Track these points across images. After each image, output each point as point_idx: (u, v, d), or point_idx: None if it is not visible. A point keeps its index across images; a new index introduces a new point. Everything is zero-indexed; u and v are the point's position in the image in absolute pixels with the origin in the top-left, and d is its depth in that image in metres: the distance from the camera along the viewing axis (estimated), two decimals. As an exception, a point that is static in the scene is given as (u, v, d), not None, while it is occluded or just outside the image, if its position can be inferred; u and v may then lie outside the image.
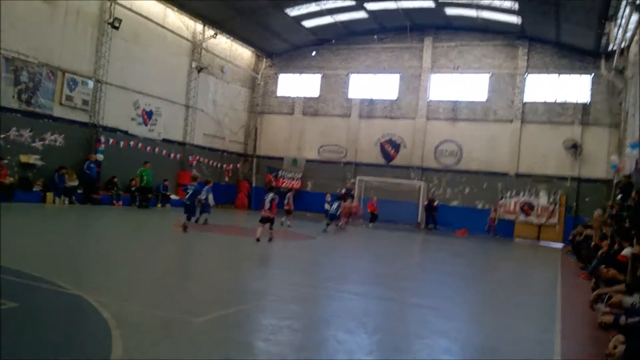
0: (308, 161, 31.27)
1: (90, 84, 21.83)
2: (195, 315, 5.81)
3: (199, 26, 27.63)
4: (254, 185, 32.08)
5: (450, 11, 26.86)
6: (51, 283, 6.55)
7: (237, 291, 7.75)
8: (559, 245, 24.16)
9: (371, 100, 30.32)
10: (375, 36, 29.68)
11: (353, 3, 26.72)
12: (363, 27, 29.63)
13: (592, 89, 26.04)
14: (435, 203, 27.48)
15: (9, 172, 18.38)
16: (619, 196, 15.52)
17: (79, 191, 20.66)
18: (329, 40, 30.96)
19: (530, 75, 27.23)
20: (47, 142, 20.08)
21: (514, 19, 25.68)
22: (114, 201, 22.12)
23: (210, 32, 27.93)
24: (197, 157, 27.96)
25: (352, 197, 25.28)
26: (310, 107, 31.71)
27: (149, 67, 24.55)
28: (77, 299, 6.02)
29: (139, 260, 9.72)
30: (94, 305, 5.73)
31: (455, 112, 28.41)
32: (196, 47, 27.59)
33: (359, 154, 30.26)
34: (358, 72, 30.85)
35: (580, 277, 12.13)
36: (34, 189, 19.19)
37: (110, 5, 22.15)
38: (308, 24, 29.16)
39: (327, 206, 22.94)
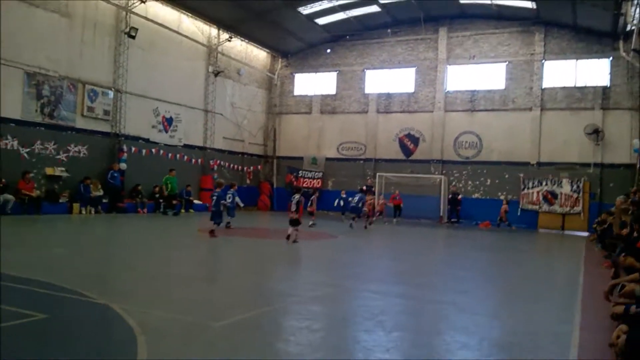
0: (328, 159, 31.39)
1: (111, 94, 22.26)
2: (217, 319, 5.99)
3: (213, 30, 27.93)
4: (275, 186, 32.30)
5: (464, 0, 26.65)
6: (78, 293, 6.79)
7: (259, 293, 7.91)
8: (584, 234, 23.86)
9: (388, 94, 30.29)
10: (389, 30, 29.56)
11: (366, -3, 26.63)
12: (377, 21, 29.57)
13: (611, 71, 25.58)
14: (459, 196, 27.33)
15: (36, 185, 18.86)
16: (642, 181, 15.32)
17: (104, 201, 21.09)
18: (343, 37, 30.99)
19: (547, 62, 26.86)
20: (71, 153, 20.56)
21: (529, 4, 25.39)
22: (139, 209, 22.53)
23: (225, 35, 28.19)
24: (218, 161, 28.27)
25: (373, 193, 25.23)
26: (327, 105, 31.80)
27: (166, 74, 24.91)
28: (104, 308, 6.24)
29: (163, 266, 9.96)
30: (119, 313, 5.95)
31: (473, 102, 28.23)
32: (212, 51, 27.88)
33: (378, 150, 30.26)
34: (374, 68, 30.83)
35: (604, 266, 12.01)
36: (60, 201, 19.67)
37: (126, 15, 22.54)
38: (321, 21, 29.22)
39: (341, 202, 23.21)
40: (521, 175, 26.77)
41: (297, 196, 14.63)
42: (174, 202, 23.54)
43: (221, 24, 27.75)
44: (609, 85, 25.58)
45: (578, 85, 26.33)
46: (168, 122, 25.25)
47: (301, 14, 27.74)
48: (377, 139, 30.29)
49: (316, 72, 32.31)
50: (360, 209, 19.97)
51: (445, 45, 28.89)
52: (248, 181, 30.70)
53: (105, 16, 22.06)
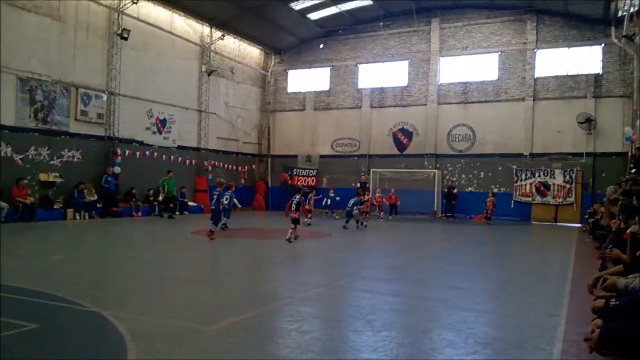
0: (322, 157, 31.44)
1: (104, 97, 22.31)
2: (209, 323, 6.05)
3: (206, 29, 27.94)
4: (270, 185, 32.36)
5: (455, -11, 26.71)
6: (71, 302, 6.85)
7: (251, 295, 7.99)
8: (577, 225, 23.93)
9: (382, 88, 30.33)
10: (382, 23, 29.55)
11: (357, -10, 26.64)
12: (369, 14, 29.61)
13: (603, 59, 25.63)
14: (455, 190, 27.38)
15: (30, 192, 18.90)
16: (633, 170, 15.38)
17: (98, 205, 21.13)
18: (336, 31, 31.02)
19: (540, 50, 26.92)
20: (65, 158, 20.61)
21: (521, -8, 25.45)
22: (134, 212, 22.58)
23: (217, 33, 28.21)
24: (213, 162, 28.33)
25: (368, 189, 25.29)
26: (321, 102, 31.84)
27: (159, 74, 24.94)
28: (95, 316, 6.30)
29: (158, 271, 10.02)
30: (111, 320, 6.02)
31: (466, 94, 28.28)
32: (205, 50, 27.90)
33: (372, 146, 30.33)
34: (367, 62, 30.87)
35: (595, 257, 12.11)
36: (54, 207, 19.69)
37: (118, 16, 22.55)
38: (314, 16, 29.27)
39: (328, 201, 23.42)
40: (514, 167, 26.84)
41: (297, 197, 15.03)
42: (170, 204, 23.47)
43: (214, 22, 27.76)
44: (601, 73, 25.64)
45: (570, 73, 26.38)
46: (162, 123, 25.29)
47: (293, 9, 27.77)
48: (371, 135, 30.35)
49: (309, 67, 32.35)
50: (352, 213, 19.92)
51: (437, 36, 28.93)
52: (243, 181, 30.73)
53: (97, 18, 22.07)
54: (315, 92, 32.07)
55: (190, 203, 25.94)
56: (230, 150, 30.41)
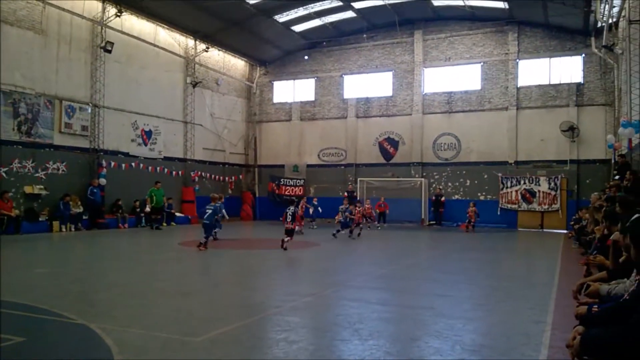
0: (309, 166, 31.50)
1: (88, 109, 22.21)
2: (197, 334, 6.03)
3: (190, 41, 27.95)
4: (257, 195, 32.32)
5: (437, 2, 27.01)
6: (57, 314, 6.80)
7: (239, 306, 7.96)
8: (563, 231, 24.14)
9: (367, 98, 30.52)
10: (365, 35, 29.83)
11: (340, 3, 26.85)
12: (353, 26, 29.84)
13: (584, 68, 26.08)
14: (443, 198, 27.53)
15: (15, 205, 18.73)
16: (617, 177, 15.59)
17: (84, 217, 20.98)
18: (321, 43, 31.21)
19: (522, 61, 27.29)
20: (49, 171, 20.47)
21: (501, 4, 25.82)
22: (120, 224, 22.44)
23: (202, 46, 28.25)
24: (199, 172, 28.27)
25: (356, 199, 25.34)
26: (307, 112, 31.94)
27: (144, 87, 24.90)
28: (82, 328, 6.26)
29: (145, 282, 9.98)
30: (98, 332, 5.98)
31: (450, 104, 28.54)
32: (189, 62, 27.90)
33: (358, 155, 30.47)
34: (351, 73, 31.08)
35: (581, 263, 12.21)
36: (40, 219, 19.54)
37: (102, 29, 22.49)
38: (298, 28, 29.46)
39: (310, 210, 23.51)
40: (499, 174, 27.07)
41: (292, 208, 15.61)
42: (157, 216, 23.26)
43: (198, 35, 27.79)
44: (582, 82, 26.05)
45: (552, 82, 26.76)
46: (147, 135, 25.21)
47: (277, 22, 27.91)
48: (357, 144, 30.49)
49: (295, 79, 32.47)
50: (348, 224, 19.97)
51: (421, 48, 29.20)
52: (230, 191, 30.67)
53: (81, 32, 22.02)
54: (301, 102, 32.17)
55: (177, 214, 25.81)
56: (216, 161, 30.36)
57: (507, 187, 26.86)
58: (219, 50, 29.90)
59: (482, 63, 28.03)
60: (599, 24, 22.92)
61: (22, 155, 19.55)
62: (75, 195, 20.78)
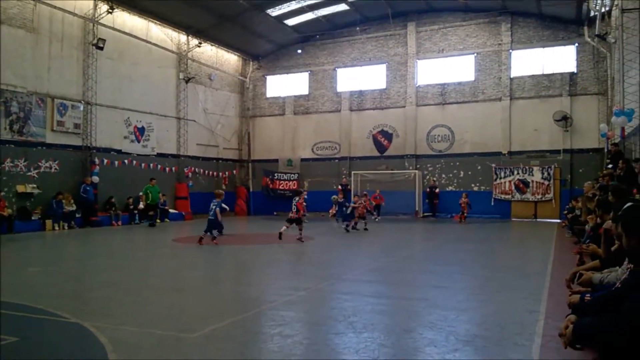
0: (303, 160, 31.48)
1: (81, 106, 22.10)
2: (191, 331, 6.01)
3: (182, 37, 27.83)
4: (251, 190, 32.28)
5: (430, -6, 26.96)
6: (51, 313, 6.77)
7: (233, 301, 7.95)
8: (557, 221, 24.17)
9: (360, 91, 30.48)
10: (358, 27, 29.79)
11: (332, -4, 26.68)
12: (346, 19, 29.76)
13: (577, 58, 26.12)
14: (437, 190, 27.56)
15: (7, 204, 18.65)
16: (610, 166, 15.64)
17: (77, 215, 20.91)
18: (314, 37, 31.13)
19: (515, 51, 27.31)
20: (42, 169, 20.39)
21: (495, -5, 25.76)
22: (113, 221, 22.38)
23: (194, 41, 28.12)
24: (193, 168, 28.20)
25: (350, 191, 25.30)
26: (300, 106, 31.89)
27: (137, 83, 24.78)
28: (76, 327, 6.23)
29: (139, 279, 9.95)
30: (92, 331, 5.95)
31: (444, 96, 28.53)
32: (182, 57, 27.78)
33: (352, 148, 30.46)
34: (345, 66, 31.03)
35: (574, 252, 12.24)
36: (32, 218, 19.48)
37: (93, 26, 22.37)
38: (291, 22, 29.35)
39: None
40: (493, 165, 27.10)
41: (296, 198, 16.10)
42: (151, 212, 23.17)
43: (190, 30, 27.67)
44: (575, 72, 26.10)
45: (546, 72, 26.77)
46: (140, 131, 25.12)
47: (270, 15, 27.80)
48: (351, 137, 30.48)
49: (288, 73, 32.39)
50: (352, 216, 20.00)
51: (414, 40, 29.16)
52: (224, 186, 30.57)
53: (72, 29, 21.89)
54: (295, 96, 32.10)
55: (170, 210, 25.75)
56: (210, 157, 30.31)
57: (500, 178, 26.91)
58: (212, 45, 29.79)
59: (475, 54, 28.03)
60: (592, 13, 22.97)
61: (14, 154, 19.45)
62: (68, 193, 20.71)
